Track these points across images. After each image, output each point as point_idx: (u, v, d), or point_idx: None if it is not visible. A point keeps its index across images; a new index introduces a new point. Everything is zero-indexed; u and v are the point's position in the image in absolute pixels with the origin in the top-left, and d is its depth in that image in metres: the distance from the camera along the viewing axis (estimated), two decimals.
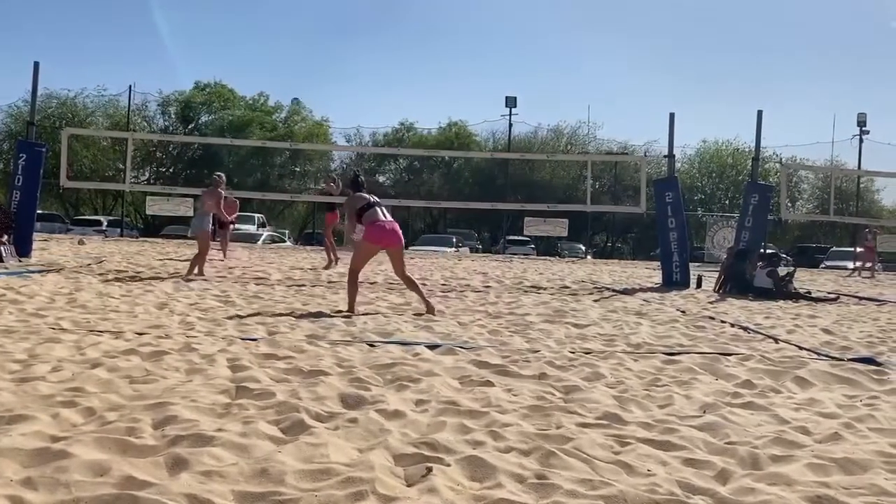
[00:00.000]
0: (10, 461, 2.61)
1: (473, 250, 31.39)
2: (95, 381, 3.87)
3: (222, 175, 12.04)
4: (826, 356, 5.64)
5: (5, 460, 2.60)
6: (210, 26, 73.30)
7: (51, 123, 34.92)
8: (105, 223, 32.07)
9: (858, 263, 21.95)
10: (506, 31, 79.38)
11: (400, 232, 7.61)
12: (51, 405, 3.37)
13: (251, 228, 30.59)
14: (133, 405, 3.44)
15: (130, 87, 35.79)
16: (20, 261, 11.65)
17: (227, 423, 3.21)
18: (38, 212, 14.89)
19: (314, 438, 3.03)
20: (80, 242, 19.09)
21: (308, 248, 25.67)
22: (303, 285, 10.24)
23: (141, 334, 5.43)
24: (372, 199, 7.67)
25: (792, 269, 12.84)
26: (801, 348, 6.04)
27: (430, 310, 7.46)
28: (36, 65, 12.84)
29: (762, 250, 12.99)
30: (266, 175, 39.85)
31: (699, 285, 12.85)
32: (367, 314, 7.23)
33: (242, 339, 5.44)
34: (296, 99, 44.66)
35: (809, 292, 11.71)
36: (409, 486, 2.60)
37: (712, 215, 33.37)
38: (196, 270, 10.76)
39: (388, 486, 2.54)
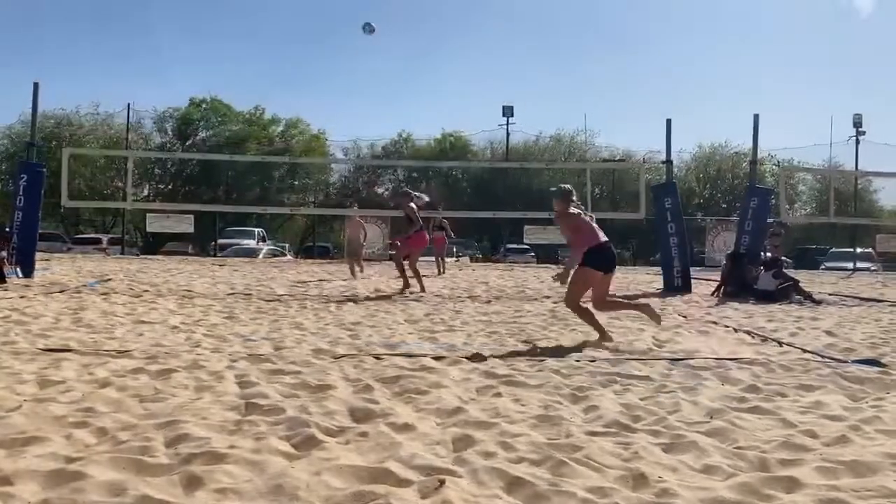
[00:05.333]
0: (28, 482, 2.63)
1: (474, 259, 31.42)
2: (106, 401, 3.89)
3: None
4: (830, 358, 5.67)
5: (23, 482, 2.62)
6: (204, 40, 73.58)
7: (48, 143, 35.01)
8: (105, 241, 32.09)
9: (875, 266, 22.21)
10: (503, 40, 79.68)
11: None
12: (63, 426, 3.39)
13: (251, 243, 30.62)
14: (145, 424, 3.46)
15: (129, 105, 35.92)
16: (19, 276, 11.71)
17: (238, 439, 3.24)
18: (39, 231, 14.92)
19: (326, 453, 3.05)
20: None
21: (308, 261, 25.69)
22: (306, 300, 10.26)
23: (148, 353, 5.45)
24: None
25: (794, 280, 12.54)
26: (805, 351, 6.07)
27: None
28: (35, 85, 12.90)
29: (764, 254, 12.97)
30: (265, 189, 39.96)
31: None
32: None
33: (249, 354, 5.46)
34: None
35: (810, 294, 11.69)
36: (423, 498, 2.63)
37: (711, 220, 33.40)
38: None
39: (403, 499, 2.56)
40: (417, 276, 11.45)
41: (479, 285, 13.95)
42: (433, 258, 17.26)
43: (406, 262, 11.69)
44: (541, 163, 37.36)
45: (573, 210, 6.48)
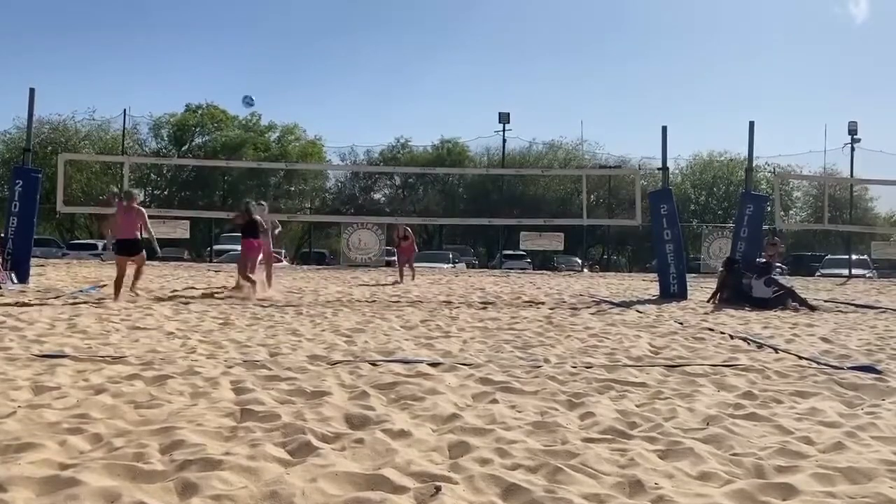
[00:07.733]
0: (22, 489, 2.61)
1: (470, 265, 31.42)
2: (100, 407, 3.87)
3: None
4: (826, 365, 5.68)
5: (17, 489, 2.61)
6: (200, 46, 73.62)
7: (43, 149, 34.94)
8: (101, 247, 31.98)
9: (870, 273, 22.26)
10: (499, 47, 79.87)
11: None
12: (57, 432, 3.37)
13: None
14: (139, 430, 3.44)
15: (125, 111, 35.89)
16: (14, 282, 11.67)
17: (234, 446, 3.22)
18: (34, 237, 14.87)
19: (322, 460, 3.04)
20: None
21: (305, 267, 25.64)
22: (301, 306, 10.24)
23: (143, 359, 5.43)
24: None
25: (789, 286, 12.58)
26: (800, 358, 6.08)
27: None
28: (31, 91, 12.89)
29: (757, 260, 12.99)
30: (261, 195, 39.94)
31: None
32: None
33: (245, 360, 5.45)
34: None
35: (806, 301, 11.71)
36: None
37: (707, 226, 33.47)
38: None
39: None
40: (250, 281, 11.50)
41: (476, 291, 13.95)
42: (401, 265, 18.46)
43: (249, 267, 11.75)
44: (537, 169, 37.40)
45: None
